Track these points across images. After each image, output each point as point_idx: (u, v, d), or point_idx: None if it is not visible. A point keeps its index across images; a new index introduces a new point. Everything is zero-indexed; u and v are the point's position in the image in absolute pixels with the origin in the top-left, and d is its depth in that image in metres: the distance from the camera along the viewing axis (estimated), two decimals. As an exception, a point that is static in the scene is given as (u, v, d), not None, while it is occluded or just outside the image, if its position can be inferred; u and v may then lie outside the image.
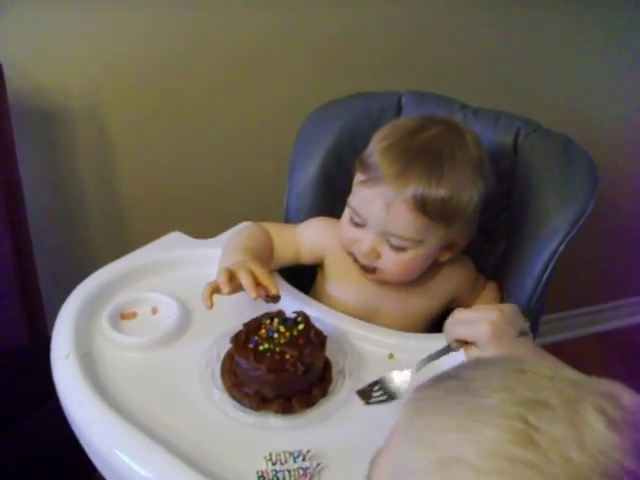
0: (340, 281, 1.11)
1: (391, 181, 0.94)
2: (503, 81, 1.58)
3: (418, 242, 0.98)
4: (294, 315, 0.93)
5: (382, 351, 0.97)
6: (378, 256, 1.00)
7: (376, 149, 0.98)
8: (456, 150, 0.97)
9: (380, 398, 0.90)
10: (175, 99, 1.46)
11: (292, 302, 1.02)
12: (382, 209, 0.95)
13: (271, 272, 1.08)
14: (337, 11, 1.44)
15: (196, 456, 0.80)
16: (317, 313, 1.00)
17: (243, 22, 1.42)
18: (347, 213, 1.03)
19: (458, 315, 0.86)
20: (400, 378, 0.91)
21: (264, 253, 1.07)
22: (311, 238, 1.14)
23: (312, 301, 1.05)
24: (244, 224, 1.17)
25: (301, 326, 0.91)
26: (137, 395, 0.89)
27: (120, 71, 1.40)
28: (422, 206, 0.94)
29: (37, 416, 1.14)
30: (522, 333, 0.85)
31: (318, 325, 0.93)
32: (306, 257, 1.14)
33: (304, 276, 1.18)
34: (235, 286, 0.92)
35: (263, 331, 0.90)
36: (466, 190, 0.97)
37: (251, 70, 1.47)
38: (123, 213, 1.53)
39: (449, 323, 0.87)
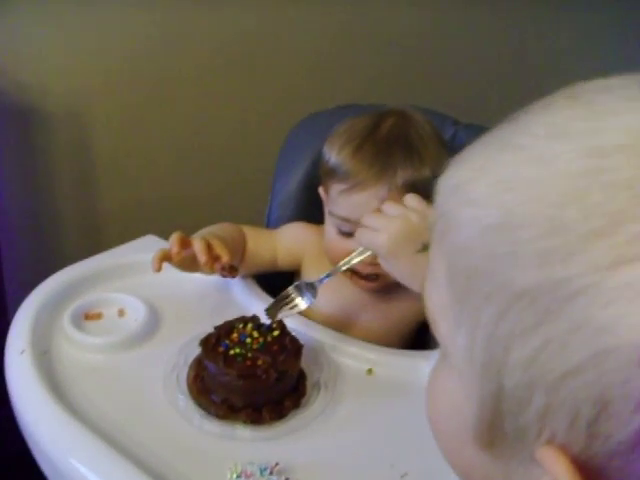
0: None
1: (379, 179, 0.92)
2: (497, 98, 1.56)
3: None
4: (269, 321, 0.88)
5: (361, 366, 0.92)
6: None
7: (345, 156, 0.95)
8: (419, 131, 0.97)
9: (288, 312, 0.90)
10: (157, 105, 1.43)
11: (267, 310, 0.97)
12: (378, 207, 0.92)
13: (248, 278, 1.05)
14: (328, 22, 1.43)
15: (157, 465, 0.73)
16: (293, 323, 0.94)
17: (232, 25, 1.40)
18: (332, 227, 1.00)
19: (365, 219, 0.86)
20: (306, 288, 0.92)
21: (232, 244, 1.01)
22: (289, 240, 1.10)
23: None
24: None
25: (276, 332, 0.85)
26: (97, 399, 0.82)
27: (103, 73, 1.37)
28: (415, 191, 0.91)
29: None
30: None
31: (295, 334, 0.88)
32: (283, 261, 1.10)
33: (281, 286, 1.13)
34: (187, 256, 0.89)
35: (235, 335, 0.84)
36: (443, 164, 0.94)
37: (236, 77, 1.44)
38: (99, 217, 1.48)
39: (359, 229, 0.87)
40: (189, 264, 0.92)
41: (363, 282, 1.00)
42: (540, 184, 0.32)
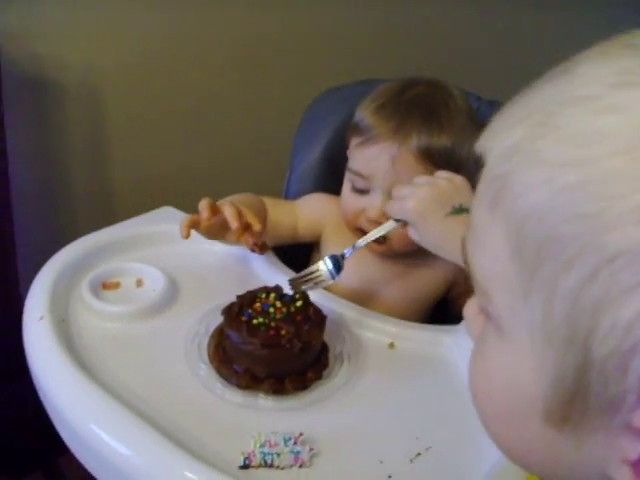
0: None
1: (392, 135, 0.92)
2: (513, 74, 1.54)
3: None
4: (292, 292, 0.86)
5: (383, 339, 0.90)
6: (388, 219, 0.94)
7: (367, 112, 0.96)
8: (448, 101, 0.96)
9: (313, 287, 0.88)
10: (172, 78, 1.41)
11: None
12: (388, 164, 0.92)
13: (267, 249, 1.03)
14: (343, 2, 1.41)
15: (178, 434, 0.71)
16: (315, 296, 0.92)
17: (246, 7, 1.38)
18: (347, 183, 1.00)
19: (394, 191, 0.86)
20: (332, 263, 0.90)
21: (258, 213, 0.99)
22: (310, 210, 1.09)
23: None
24: None
25: (299, 303, 0.84)
26: (116, 367, 0.80)
27: (118, 46, 1.35)
28: (429, 156, 0.91)
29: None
30: (460, 211, 0.80)
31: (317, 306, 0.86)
32: (303, 232, 1.09)
33: (299, 259, 1.11)
34: (216, 221, 0.88)
35: (258, 305, 0.83)
36: (467, 139, 0.93)
37: (253, 53, 1.43)
38: (113, 189, 1.46)
39: (388, 202, 0.87)
40: (216, 231, 0.91)
41: (371, 244, 0.97)
42: (623, 135, 0.29)
